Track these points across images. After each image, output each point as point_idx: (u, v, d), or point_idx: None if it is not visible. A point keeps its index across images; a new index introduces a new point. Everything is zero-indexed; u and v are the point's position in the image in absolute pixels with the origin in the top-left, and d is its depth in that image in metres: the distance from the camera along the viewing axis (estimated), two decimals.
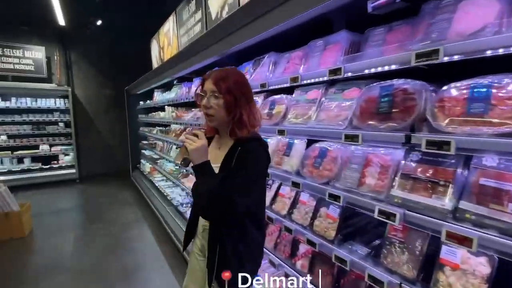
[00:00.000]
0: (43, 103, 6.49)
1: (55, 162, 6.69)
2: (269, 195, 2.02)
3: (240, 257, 1.16)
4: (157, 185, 4.78)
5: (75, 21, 6.72)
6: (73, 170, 6.70)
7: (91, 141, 7.50)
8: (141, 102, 6.14)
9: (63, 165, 6.73)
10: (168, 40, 4.72)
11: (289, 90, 1.89)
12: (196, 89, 1.24)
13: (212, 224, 1.21)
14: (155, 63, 5.79)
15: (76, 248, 3.46)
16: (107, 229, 3.96)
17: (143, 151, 6.28)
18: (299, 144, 1.81)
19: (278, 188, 2.02)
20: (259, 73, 2.08)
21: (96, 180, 6.83)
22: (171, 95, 4.13)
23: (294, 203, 1.84)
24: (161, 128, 4.95)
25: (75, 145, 6.74)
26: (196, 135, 1.12)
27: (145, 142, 6.12)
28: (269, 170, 1.85)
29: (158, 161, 5.03)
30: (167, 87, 5.04)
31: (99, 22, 6.58)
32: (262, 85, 1.94)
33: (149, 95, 5.83)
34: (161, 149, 4.91)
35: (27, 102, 6.33)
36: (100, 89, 7.61)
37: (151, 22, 5.94)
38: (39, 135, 6.54)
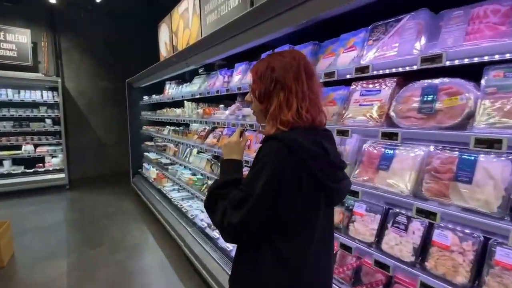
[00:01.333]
0: (27, 95, 5.52)
1: (41, 165, 5.72)
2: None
3: None
4: (169, 196, 3.94)
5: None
6: (62, 175, 5.75)
7: (83, 141, 6.55)
8: (146, 97, 5.28)
9: (50, 168, 5.77)
10: (185, 22, 3.90)
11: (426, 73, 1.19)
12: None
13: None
14: (164, 51, 4.95)
15: (71, 284, 2.61)
16: (111, 256, 3.11)
17: (146, 153, 5.41)
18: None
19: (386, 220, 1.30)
20: (389, 44, 1.32)
21: (90, 186, 5.90)
22: (193, 87, 3.31)
23: (424, 244, 1.25)
24: (175, 128, 4.12)
25: (65, 145, 5.79)
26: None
27: (149, 143, 5.26)
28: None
29: (169, 167, 4.20)
30: (181, 78, 4.22)
31: (98, 0, 5.64)
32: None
33: (156, 88, 4.98)
34: (174, 153, 4.08)
35: (7, 94, 5.36)
36: (95, 81, 6.66)
37: (158, 4, 5.11)
38: (22, 134, 5.57)
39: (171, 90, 4.10)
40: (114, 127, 7.00)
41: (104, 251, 3.21)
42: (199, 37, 3.57)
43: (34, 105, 5.61)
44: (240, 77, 2.39)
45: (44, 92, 5.71)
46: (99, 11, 6.33)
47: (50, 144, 5.85)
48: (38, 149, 5.69)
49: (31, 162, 5.62)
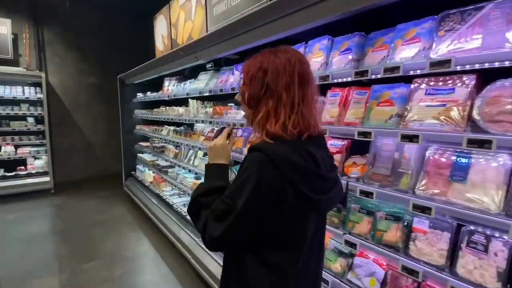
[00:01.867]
0: (7, 91, 5.04)
1: (23, 168, 5.25)
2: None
3: None
4: (170, 202, 3.64)
5: None
6: (47, 178, 5.29)
7: (69, 141, 6.09)
8: (140, 95, 4.92)
9: (33, 171, 5.30)
10: (187, 13, 3.61)
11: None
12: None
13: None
14: (160, 45, 4.61)
15: None
16: (108, 271, 2.78)
17: (140, 155, 5.05)
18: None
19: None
20: (468, 35, 1.12)
21: (77, 191, 5.46)
22: (199, 84, 3.03)
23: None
24: (175, 128, 3.81)
25: (49, 146, 5.33)
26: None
27: (144, 144, 4.90)
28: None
29: (169, 170, 3.89)
30: (180, 75, 3.92)
31: None
32: None
33: (152, 85, 4.65)
34: (175, 155, 3.77)
35: None
36: (82, 76, 6.21)
37: None
38: (1, 133, 5.10)
39: (172, 87, 3.78)
40: (102, 126, 6.57)
41: (100, 266, 2.88)
42: (203, 30, 3.29)
43: (14, 102, 5.13)
44: None
45: (26, 88, 5.24)
46: (86, 1, 5.89)
47: (32, 145, 5.38)
48: (20, 150, 5.20)
49: (12, 165, 5.13)
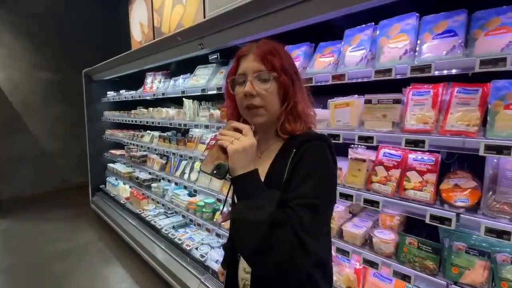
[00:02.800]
0: None
1: None
2: None
3: None
4: (157, 225, 2.96)
5: None
6: None
7: (17, 149, 5.03)
8: (111, 93, 4.14)
9: None
10: None
11: None
12: (228, 72, 0.88)
13: (258, 279, 0.81)
14: (138, 34, 3.89)
15: None
16: None
17: (112, 165, 4.23)
18: None
19: None
20: None
21: (29, 210, 4.46)
22: (198, 80, 2.44)
23: None
24: (160, 133, 3.15)
25: None
26: (239, 130, 0.77)
27: (117, 152, 4.11)
28: None
29: (153, 185, 3.20)
30: (166, 69, 3.27)
31: None
32: None
33: (126, 82, 3.90)
34: (162, 167, 3.10)
35: None
36: (35, 71, 5.18)
37: None
38: None
39: (157, 84, 3.12)
40: (60, 131, 5.56)
41: None
42: (199, 15, 2.71)
43: None
44: (300, 63, 1.66)
45: None
46: None
47: None
48: None
49: None
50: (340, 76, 1.42)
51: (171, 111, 2.85)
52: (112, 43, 5.33)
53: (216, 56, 2.33)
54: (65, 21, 5.37)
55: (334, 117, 1.48)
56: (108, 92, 4.21)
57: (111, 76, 3.94)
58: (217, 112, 2.21)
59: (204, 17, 2.58)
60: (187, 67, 2.73)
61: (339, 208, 1.65)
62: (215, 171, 0.75)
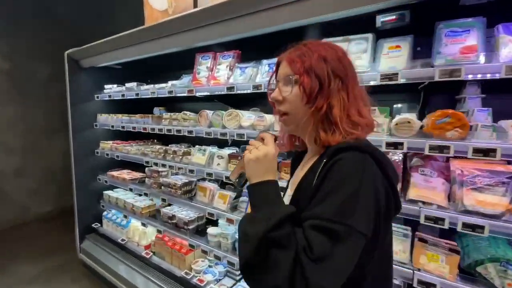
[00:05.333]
0: None
1: None
2: None
3: None
4: None
5: None
6: None
7: None
8: (111, 87, 2.78)
9: None
10: None
11: None
12: (270, 78, 0.86)
13: None
14: (161, 1, 2.61)
15: None
16: None
17: (111, 194, 2.85)
18: None
19: None
20: None
21: None
22: None
23: None
24: (221, 150, 1.98)
25: None
26: (262, 139, 0.79)
27: (123, 175, 2.75)
28: None
29: (211, 231, 2.00)
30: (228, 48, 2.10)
31: None
32: None
33: (136, 71, 2.67)
34: (231, 204, 1.93)
35: None
36: None
37: None
38: None
39: (225, 72, 1.90)
40: (15, 141, 3.89)
41: None
42: None
43: None
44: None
45: None
46: None
47: None
48: None
49: None
50: None
51: (248, 116, 1.73)
52: (88, 19, 3.90)
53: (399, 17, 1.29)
54: None
55: None
56: (105, 86, 2.83)
57: (112, 61, 2.59)
58: None
59: None
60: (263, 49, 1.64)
61: None
62: (237, 180, 0.82)
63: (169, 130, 2.23)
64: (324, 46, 0.75)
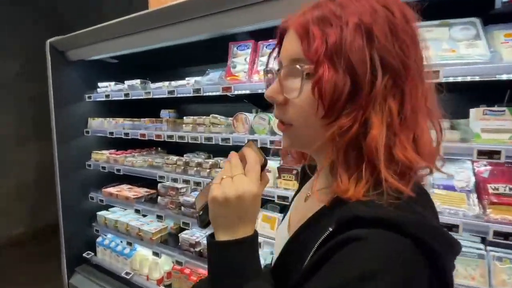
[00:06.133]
0: None
1: None
2: None
3: None
4: None
5: None
6: None
7: None
8: (107, 84, 2.28)
9: None
10: None
11: None
12: (268, 58, 0.57)
13: None
14: None
15: None
16: None
17: (106, 214, 2.35)
18: None
19: None
20: None
21: None
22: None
23: None
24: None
25: None
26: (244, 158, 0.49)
27: (124, 192, 2.26)
28: None
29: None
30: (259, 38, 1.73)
31: None
32: None
33: (135, 67, 2.23)
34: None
35: None
36: None
37: None
38: None
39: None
40: None
41: None
42: None
43: None
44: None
45: None
46: None
47: None
48: None
49: None
50: None
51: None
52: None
53: None
54: None
55: None
56: (99, 84, 2.32)
57: (108, 53, 2.10)
58: None
59: None
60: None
61: None
62: (200, 213, 0.51)
63: (181, 137, 1.81)
64: (370, 2, 0.41)
